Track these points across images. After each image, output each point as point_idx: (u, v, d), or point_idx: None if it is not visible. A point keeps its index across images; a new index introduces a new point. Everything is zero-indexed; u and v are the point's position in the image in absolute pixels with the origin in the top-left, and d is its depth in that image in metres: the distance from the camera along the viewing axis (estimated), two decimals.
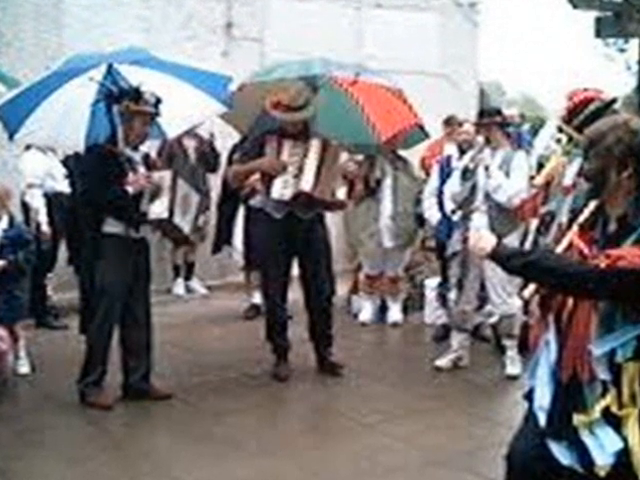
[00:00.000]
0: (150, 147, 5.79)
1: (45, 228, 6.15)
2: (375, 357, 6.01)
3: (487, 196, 5.25)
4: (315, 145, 5.10)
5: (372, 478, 3.81)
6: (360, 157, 6.65)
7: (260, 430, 4.42)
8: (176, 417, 4.59)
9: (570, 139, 4.41)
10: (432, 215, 6.15)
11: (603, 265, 2.37)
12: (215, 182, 7.58)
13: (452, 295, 5.44)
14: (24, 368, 5.30)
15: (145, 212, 4.60)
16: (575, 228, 2.54)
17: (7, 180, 5.92)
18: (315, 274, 5.28)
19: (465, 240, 4.77)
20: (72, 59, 4.94)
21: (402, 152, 6.73)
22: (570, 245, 2.53)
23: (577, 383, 2.49)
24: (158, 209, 4.59)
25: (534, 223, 4.74)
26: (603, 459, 2.42)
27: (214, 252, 7.47)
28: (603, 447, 2.43)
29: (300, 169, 5.04)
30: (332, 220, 6.14)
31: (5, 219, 5.18)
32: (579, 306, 2.49)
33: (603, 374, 2.44)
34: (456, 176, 5.49)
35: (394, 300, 6.91)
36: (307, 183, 5.02)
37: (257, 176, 5.30)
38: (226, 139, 7.32)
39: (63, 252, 6.69)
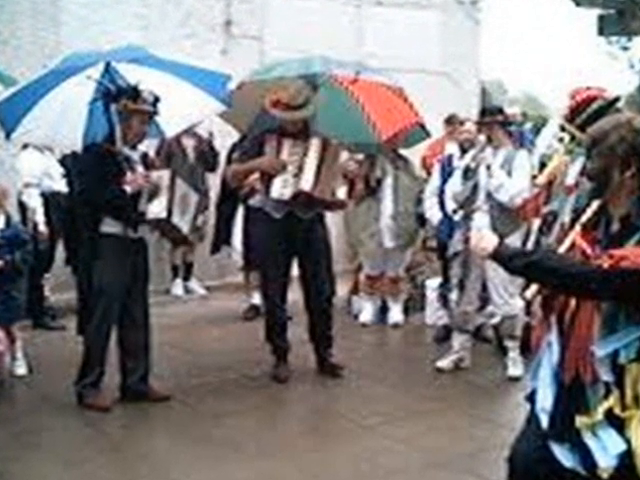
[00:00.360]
0: (148, 146, 5.78)
1: (42, 228, 6.15)
2: (376, 358, 6.01)
3: (489, 196, 5.25)
4: (315, 144, 5.10)
5: None
6: (360, 156, 6.65)
7: (259, 432, 4.42)
8: (175, 419, 4.59)
9: (573, 138, 4.41)
10: (433, 215, 6.15)
11: (606, 265, 2.37)
12: (214, 181, 7.58)
13: (453, 296, 5.44)
14: (21, 369, 5.29)
15: (143, 212, 4.60)
16: (578, 228, 2.54)
17: (4, 179, 5.92)
18: (315, 274, 5.28)
19: (466, 240, 4.77)
20: (69, 57, 4.94)
21: (403, 151, 6.73)
22: (573, 245, 2.53)
23: (580, 385, 2.49)
24: (156, 209, 4.59)
25: (536, 223, 4.74)
26: (606, 461, 2.43)
27: (213, 252, 7.47)
28: (606, 449, 2.43)
29: (300, 168, 5.04)
30: (332, 220, 6.14)
31: (2, 219, 5.18)
32: (582, 307, 2.50)
33: (606, 375, 2.44)
34: (457, 175, 5.49)
35: (395, 301, 6.91)
36: (307, 182, 5.01)
37: (256, 175, 5.30)
38: (225, 138, 7.32)
39: (60, 252, 6.69)
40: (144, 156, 4.88)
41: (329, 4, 8.90)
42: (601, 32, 9.32)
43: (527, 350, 4.97)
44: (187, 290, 7.92)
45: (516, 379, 5.23)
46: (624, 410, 2.42)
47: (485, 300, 5.56)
